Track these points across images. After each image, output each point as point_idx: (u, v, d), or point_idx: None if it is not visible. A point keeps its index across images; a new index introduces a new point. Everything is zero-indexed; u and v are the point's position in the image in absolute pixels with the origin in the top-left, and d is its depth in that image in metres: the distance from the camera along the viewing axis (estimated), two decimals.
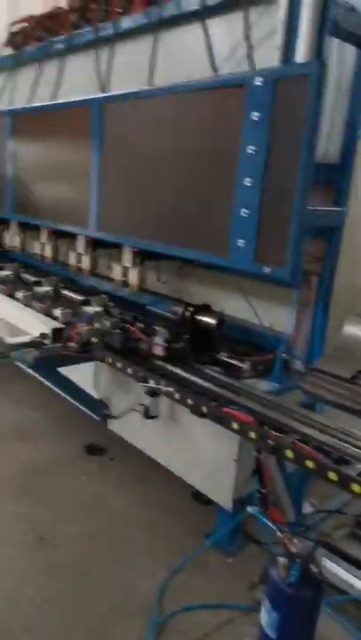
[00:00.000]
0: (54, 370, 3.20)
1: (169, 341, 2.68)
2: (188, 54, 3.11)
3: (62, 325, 2.93)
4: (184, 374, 2.59)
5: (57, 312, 3.09)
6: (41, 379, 3.85)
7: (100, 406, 3.41)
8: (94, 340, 2.81)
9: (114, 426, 3.39)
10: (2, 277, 3.79)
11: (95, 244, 3.71)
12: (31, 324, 3.03)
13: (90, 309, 3.01)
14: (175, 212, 2.64)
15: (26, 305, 3.32)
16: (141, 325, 2.87)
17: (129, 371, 2.73)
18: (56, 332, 2.84)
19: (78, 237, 3.72)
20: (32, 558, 2.59)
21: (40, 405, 4.21)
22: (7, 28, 4.90)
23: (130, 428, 3.26)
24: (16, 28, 4.94)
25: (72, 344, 2.83)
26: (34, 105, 3.94)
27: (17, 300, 3.40)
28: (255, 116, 2.10)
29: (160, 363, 2.70)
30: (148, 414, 2.74)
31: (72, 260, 3.86)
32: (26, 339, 2.82)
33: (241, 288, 3.02)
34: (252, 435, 2.05)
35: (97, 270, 3.79)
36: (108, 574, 2.54)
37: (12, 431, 3.80)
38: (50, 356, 2.72)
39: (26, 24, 4.80)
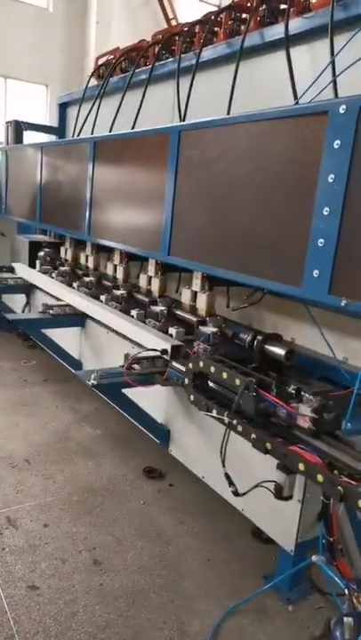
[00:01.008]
0: (118, 390, 3.22)
1: (319, 411, 2.21)
2: (269, 82, 3.11)
3: (181, 343, 3.09)
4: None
5: (172, 330, 3.27)
6: (105, 398, 3.89)
7: (161, 430, 3.39)
8: (187, 379, 2.73)
9: (175, 451, 3.35)
10: (117, 296, 3.99)
11: (165, 268, 3.76)
12: (149, 340, 3.25)
13: (206, 330, 3.05)
14: (247, 240, 2.60)
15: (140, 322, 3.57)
16: (270, 382, 2.37)
17: (191, 398, 2.69)
18: (175, 348, 3.02)
19: (150, 261, 3.78)
20: (85, 581, 2.57)
21: (102, 423, 4.26)
22: (94, 60, 5.18)
23: (191, 454, 3.20)
24: (102, 60, 5.21)
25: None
26: (115, 133, 4.09)
27: (131, 317, 3.67)
28: (337, 143, 2.03)
29: (304, 436, 2.23)
30: (280, 495, 2.25)
31: (143, 282, 3.92)
32: (148, 353, 3.05)
33: (313, 317, 2.91)
34: (320, 478, 1.93)
35: (166, 293, 3.83)
36: (161, 608, 2.46)
37: (73, 448, 3.86)
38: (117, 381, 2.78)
39: (112, 56, 5.05)
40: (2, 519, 2.96)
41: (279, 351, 2.72)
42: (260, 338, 2.80)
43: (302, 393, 2.30)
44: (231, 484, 2.38)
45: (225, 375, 2.45)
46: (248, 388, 2.27)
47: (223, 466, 2.37)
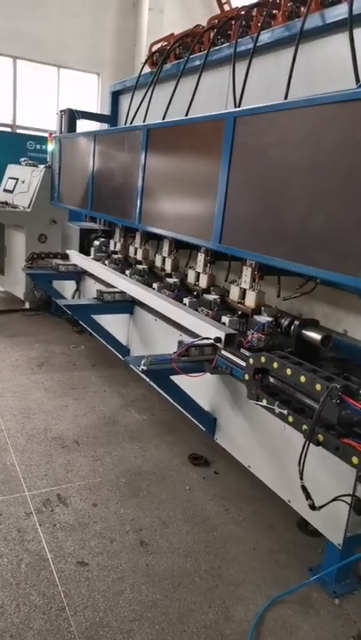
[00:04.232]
0: (167, 377, 3.25)
1: None
2: (329, 66, 3.01)
3: (235, 332, 3.09)
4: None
5: (225, 319, 3.26)
6: (151, 384, 3.95)
7: (208, 418, 3.40)
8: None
9: (221, 439, 3.36)
10: (169, 284, 4.01)
11: (214, 256, 3.74)
12: (203, 327, 3.26)
13: (261, 319, 3.04)
14: (302, 229, 2.54)
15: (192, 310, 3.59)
16: (356, 388, 2.14)
17: (264, 402, 2.48)
18: (229, 337, 3.02)
19: (199, 249, 3.78)
20: (132, 561, 2.63)
21: (148, 409, 4.33)
22: (148, 47, 5.17)
23: (237, 443, 3.20)
24: (156, 47, 5.20)
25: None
26: (169, 120, 4.08)
27: (184, 305, 3.69)
28: None
29: None
30: (360, 510, 2.20)
31: (191, 271, 3.93)
32: (202, 341, 3.07)
33: None
34: None
35: (215, 282, 3.82)
36: (206, 592, 2.49)
37: (120, 431, 3.94)
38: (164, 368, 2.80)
39: (165, 43, 5.02)
40: (53, 496, 3.07)
41: (315, 336, 2.68)
42: (296, 323, 2.78)
43: None
44: (308, 497, 2.24)
45: (303, 379, 2.23)
46: (332, 396, 2.06)
47: (301, 478, 2.20)
